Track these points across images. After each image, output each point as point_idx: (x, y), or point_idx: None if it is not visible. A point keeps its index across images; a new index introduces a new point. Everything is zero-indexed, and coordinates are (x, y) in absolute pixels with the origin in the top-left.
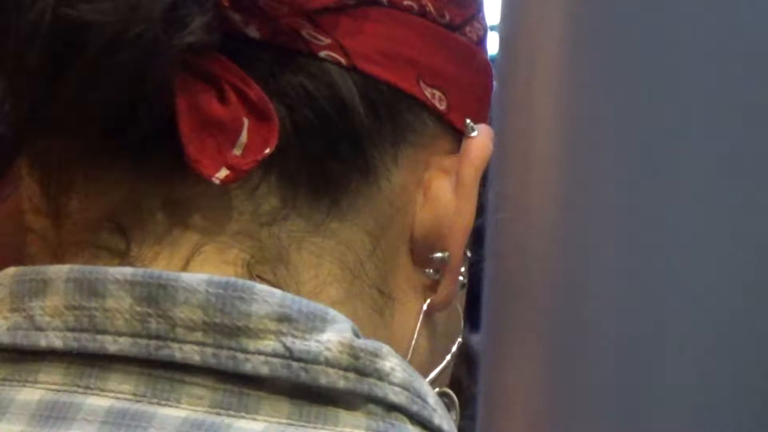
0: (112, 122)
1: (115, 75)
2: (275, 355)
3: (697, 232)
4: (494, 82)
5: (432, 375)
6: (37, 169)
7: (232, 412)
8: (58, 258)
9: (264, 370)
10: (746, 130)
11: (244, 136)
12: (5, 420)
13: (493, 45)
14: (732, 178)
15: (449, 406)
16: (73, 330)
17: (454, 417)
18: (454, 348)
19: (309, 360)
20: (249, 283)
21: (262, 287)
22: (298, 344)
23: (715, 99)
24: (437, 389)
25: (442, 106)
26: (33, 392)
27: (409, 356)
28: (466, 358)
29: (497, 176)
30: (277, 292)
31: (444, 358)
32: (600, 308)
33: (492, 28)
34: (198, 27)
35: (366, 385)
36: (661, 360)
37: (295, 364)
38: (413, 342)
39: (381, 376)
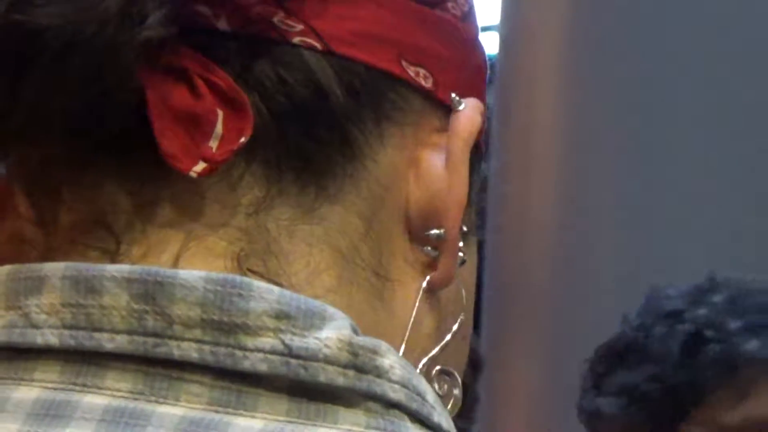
0: (81, 125)
1: (73, 78)
2: (274, 352)
3: (697, 230)
4: (494, 82)
5: (433, 352)
6: (22, 179)
7: (230, 410)
8: (48, 261)
9: (262, 368)
10: (746, 129)
11: (219, 128)
12: (2, 418)
13: (493, 45)
14: (732, 179)
15: (451, 386)
16: (69, 327)
17: (457, 393)
18: (456, 326)
19: (308, 357)
20: (247, 279)
21: (260, 284)
22: (297, 341)
23: (714, 98)
24: (438, 367)
25: (427, 84)
26: (29, 390)
27: (407, 335)
28: (471, 362)
29: (498, 176)
30: (276, 288)
31: (446, 336)
32: (600, 307)
33: (492, 28)
34: (155, 21)
35: (365, 383)
36: None
37: (293, 361)
38: (411, 321)
39: (380, 373)
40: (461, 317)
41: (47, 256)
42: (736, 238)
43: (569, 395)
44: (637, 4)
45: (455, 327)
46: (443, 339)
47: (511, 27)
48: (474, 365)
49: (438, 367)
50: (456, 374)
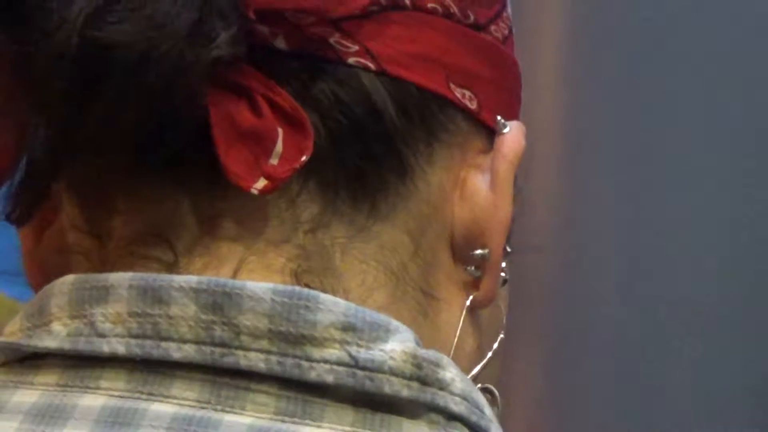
0: (146, 140)
1: (144, 94)
2: (340, 363)
3: (697, 231)
4: None
5: (475, 370)
6: (75, 190)
7: (296, 419)
8: (106, 272)
9: (329, 379)
10: (746, 129)
11: (279, 146)
12: (70, 425)
13: None
14: (732, 178)
15: (491, 402)
16: (136, 337)
17: (496, 412)
18: (496, 344)
19: (374, 369)
20: (314, 292)
21: (326, 297)
22: (363, 353)
23: (714, 99)
24: (479, 385)
25: (473, 106)
26: (95, 398)
27: (451, 354)
28: None
29: None
30: (341, 301)
31: (487, 355)
32: (600, 304)
33: None
34: (224, 41)
35: (428, 395)
36: (661, 359)
37: (360, 372)
38: (456, 340)
39: (442, 385)
40: (501, 336)
41: (104, 267)
42: (738, 238)
43: (569, 395)
44: (637, 4)
45: (495, 345)
46: (484, 357)
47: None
48: None
49: (479, 385)
50: (496, 392)
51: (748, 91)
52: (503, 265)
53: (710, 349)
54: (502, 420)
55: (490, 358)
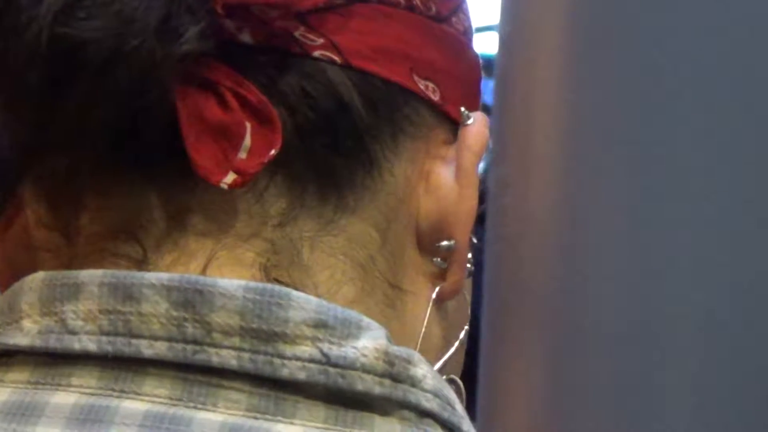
0: (116, 136)
1: (114, 90)
2: (312, 360)
3: (697, 231)
4: (494, 82)
5: (441, 362)
6: (43, 188)
7: (269, 416)
8: (75, 269)
9: (301, 376)
10: (747, 130)
11: (247, 140)
12: (42, 423)
13: (492, 45)
14: (732, 178)
15: (456, 393)
16: (107, 334)
17: (462, 403)
18: (462, 335)
19: (346, 366)
20: (285, 289)
21: (298, 294)
22: (335, 350)
23: (715, 99)
24: (445, 376)
25: (436, 98)
26: (67, 396)
27: (418, 345)
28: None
29: (497, 175)
30: (313, 298)
31: (453, 346)
32: (600, 303)
33: (491, 28)
34: (192, 36)
35: (400, 391)
36: (661, 359)
37: (332, 369)
38: (423, 331)
39: (414, 382)
40: (467, 326)
41: (73, 264)
42: (738, 237)
43: (569, 395)
44: (637, 4)
45: (462, 335)
46: (449, 348)
47: (511, 27)
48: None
49: (444, 377)
50: (460, 383)
51: (749, 90)
52: (469, 255)
53: (710, 349)
54: (502, 419)
55: (458, 349)
